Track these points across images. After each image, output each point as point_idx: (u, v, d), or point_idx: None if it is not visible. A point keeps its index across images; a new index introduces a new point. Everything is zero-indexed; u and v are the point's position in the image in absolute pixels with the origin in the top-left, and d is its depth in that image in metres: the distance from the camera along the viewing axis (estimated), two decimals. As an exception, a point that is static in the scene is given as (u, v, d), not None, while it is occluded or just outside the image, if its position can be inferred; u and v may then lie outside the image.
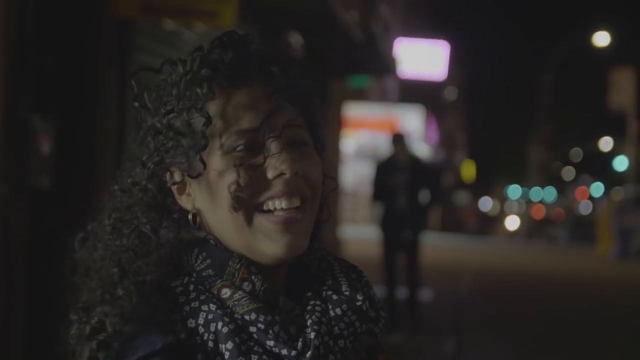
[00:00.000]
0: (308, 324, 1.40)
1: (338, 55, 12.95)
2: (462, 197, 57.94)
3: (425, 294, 14.01)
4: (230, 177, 1.42)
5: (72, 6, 6.17)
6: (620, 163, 45.29)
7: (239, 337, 1.38)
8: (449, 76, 42.45)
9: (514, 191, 70.84)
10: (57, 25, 6.05)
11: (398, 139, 10.90)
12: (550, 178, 59.23)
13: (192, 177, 1.44)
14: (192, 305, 1.41)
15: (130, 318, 1.39)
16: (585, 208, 50.79)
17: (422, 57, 34.18)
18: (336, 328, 1.41)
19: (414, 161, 10.84)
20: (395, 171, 10.49)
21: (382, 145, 9.75)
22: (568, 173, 64.90)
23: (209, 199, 1.44)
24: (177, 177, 1.46)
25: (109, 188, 1.51)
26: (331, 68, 13.54)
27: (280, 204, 1.43)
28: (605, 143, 48.94)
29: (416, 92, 37.44)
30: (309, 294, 1.45)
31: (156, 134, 1.45)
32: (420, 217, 10.73)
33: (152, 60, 6.92)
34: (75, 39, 6.15)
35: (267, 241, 1.43)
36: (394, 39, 18.52)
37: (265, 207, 1.43)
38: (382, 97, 31.39)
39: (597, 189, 55.31)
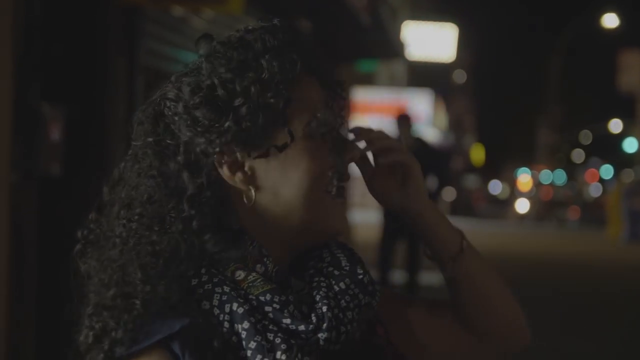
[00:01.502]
0: (317, 299, 1.44)
1: (346, 39, 12.93)
2: (471, 181, 57.92)
3: (435, 279, 14.00)
4: (323, 161, 1.48)
5: (80, -7, 6.16)
6: (630, 145, 45.18)
7: (254, 316, 1.39)
8: (457, 59, 42.38)
9: (524, 174, 70.74)
10: (65, 12, 6.04)
11: (403, 121, 10.63)
12: (560, 161, 59.13)
13: (261, 156, 1.45)
14: (206, 287, 1.41)
15: (145, 313, 1.39)
16: (595, 190, 50.71)
17: (431, 40, 34.13)
18: (342, 301, 1.45)
19: (420, 144, 10.54)
20: None
21: (390, 129, 9.73)
22: (578, 155, 64.75)
23: (279, 177, 1.46)
24: (230, 156, 1.45)
25: (113, 179, 1.48)
26: (339, 53, 13.51)
27: (341, 184, 1.52)
28: (615, 125, 48.83)
29: (424, 76, 37.36)
30: (311, 271, 1.49)
31: (233, 106, 1.43)
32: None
33: (161, 47, 6.92)
34: (84, 26, 6.15)
35: (333, 217, 1.51)
36: (402, 22, 18.49)
37: (329, 188, 1.51)
38: (391, 81, 31.34)
39: (607, 171, 55.22)
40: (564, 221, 39.11)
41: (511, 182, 68.63)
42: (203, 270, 1.42)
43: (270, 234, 1.48)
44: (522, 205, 45.18)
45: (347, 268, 1.50)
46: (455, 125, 54.07)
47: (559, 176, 59.82)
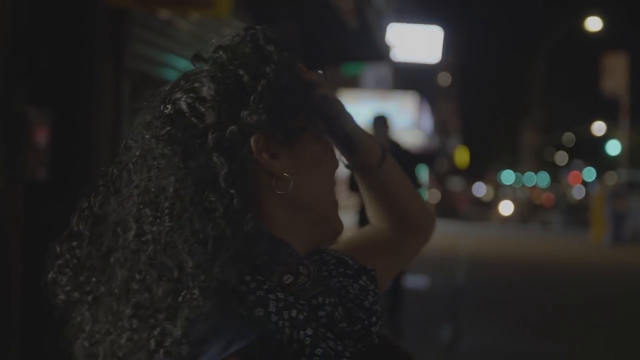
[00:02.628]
0: (350, 297, 1.47)
1: (332, 42, 12.91)
2: (455, 183, 57.98)
3: (421, 281, 14.01)
4: (334, 157, 1.54)
5: (66, -4, 6.13)
6: (613, 147, 45.32)
7: (315, 322, 1.38)
8: (442, 62, 42.46)
9: (508, 176, 70.89)
10: (51, 16, 6.00)
11: (379, 121, 10.19)
12: (544, 163, 59.25)
13: (289, 142, 1.46)
14: (257, 294, 1.37)
15: (201, 318, 1.32)
16: (578, 193, 50.81)
17: (416, 43, 34.14)
18: (369, 296, 1.49)
19: (394, 146, 10.04)
20: None
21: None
22: (561, 158, 64.87)
23: (305, 167, 1.48)
24: (264, 142, 1.44)
25: (103, 192, 1.44)
26: (325, 56, 13.49)
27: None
28: (598, 127, 48.96)
29: (410, 79, 37.41)
30: (325, 273, 1.50)
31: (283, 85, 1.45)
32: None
33: (148, 50, 6.88)
34: (70, 30, 6.11)
35: (339, 216, 1.55)
36: (388, 24, 18.47)
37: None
38: (376, 84, 31.34)
39: (590, 173, 55.31)
40: (548, 223, 39.21)
41: (495, 184, 68.83)
42: (248, 278, 1.38)
43: (296, 229, 1.46)
44: (506, 208, 45.28)
45: (356, 267, 1.53)
46: (440, 128, 54.12)
47: (543, 178, 59.95)
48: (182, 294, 1.33)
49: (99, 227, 1.45)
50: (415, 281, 11.61)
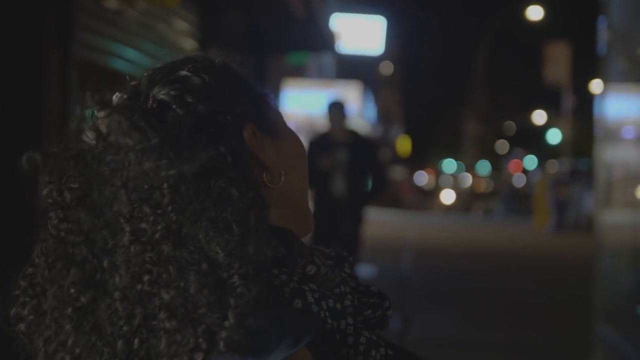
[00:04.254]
0: (353, 285, 1.46)
1: (278, 32, 12.86)
2: (398, 172, 58.23)
3: (367, 271, 14.04)
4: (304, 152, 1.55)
5: (12, -15, 6.02)
6: (553, 136, 45.80)
7: (351, 311, 1.38)
8: (385, 51, 42.54)
9: (449, 165, 71.34)
10: (-4, 5, 5.89)
11: (335, 108, 9.10)
12: (485, 152, 59.75)
13: (272, 135, 1.46)
14: (292, 286, 1.35)
15: (250, 306, 1.27)
16: (518, 181, 51.29)
17: (359, 33, 34.21)
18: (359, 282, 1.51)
19: (354, 137, 9.10)
20: (331, 149, 8.72)
21: (319, 121, 9.25)
22: (502, 146, 65.41)
23: (289, 162, 1.48)
24: (256, 134, 1.43)
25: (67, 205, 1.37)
26: (270, 45, 13.45)
27: None
28: (539, 116, 49.43)
29: (352, 68, 37.43)
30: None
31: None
32: (361, 205, 8.94)
33: (96, 39, 6.79)
34: (16, 19, 6.00)
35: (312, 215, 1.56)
36: (332, 14, 18.47)
37: None
38: (319, 74, 31.32)
39: (530, 162, 55.87)
40: (490, 212, 39.52)
41: (436, 173, 69.31)
42: (276, 271, 1.35)
43: (285, 223, 1.44)
44: (448, 197, 45.60)
45: (333, 254, 1.53)
46: (383, 117, 54.29)
47: (483, 167, 60.42)
48: (221, 285, 1.28)
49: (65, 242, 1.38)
50: (362, 270, 11.62)
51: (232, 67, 1.49)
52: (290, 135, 1.50)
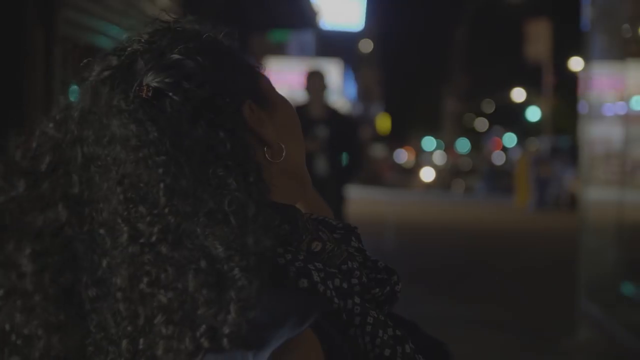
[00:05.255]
0: (360, 259, 1.44)
1: (260, 9, 12.81)
2: (378, 150, 58.27)
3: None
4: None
5: (-6, -39, 5.95)
6: (533, 113, 45.90)
7: (359, 290, 1.36)
8: (364, 29, 42.49)
9: (429, 143, 71.41)
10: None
11: (315, 77, 8.44)
12: (464, 129, 59.85)
13: (269, 109, 1.43)
14: (297, 265, 1.31)
15: (252, 297, 1.23)
16: (497, 158, 51.44)
17: (340, 8, 34.14)
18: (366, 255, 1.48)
19: (333, 114, 8.57)
20: (310, 127, 8.11)
21: (300, 99, 8.99)
22: (481, 124, 65.52)
23: (287, 135, 1.44)
24: (253, 109, 1.40)
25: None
26: (253, 23, 13.39)
27: None
28: (518, 94, 49.50)
29: (332, 46, 37.33)
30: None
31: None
32: (343, 184, 8.49)
33: (80, 16, 6.73)
34: (-1, -5, 5.94)
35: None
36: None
37: None
38: (300, 51, 31.25)
39: (510, 139, 55.96)
40: (471, 189, 39.61)
41: (416, 151, 69.36)
42: (280, 250, 1.31)
43: (290, 197, 1.42)
44: (427, 174, 45.68)
45: (341, 226, 1.51)
46: (363, 95, 54.25)
47: (463, 144, 60.54)
48: (221, 280, 1.23)
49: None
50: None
51: (221, 41, 1.44)
52: (283, 103, 1.47)
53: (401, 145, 75.00)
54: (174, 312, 1.23)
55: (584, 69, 10.24)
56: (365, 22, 40.56)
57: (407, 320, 1.52)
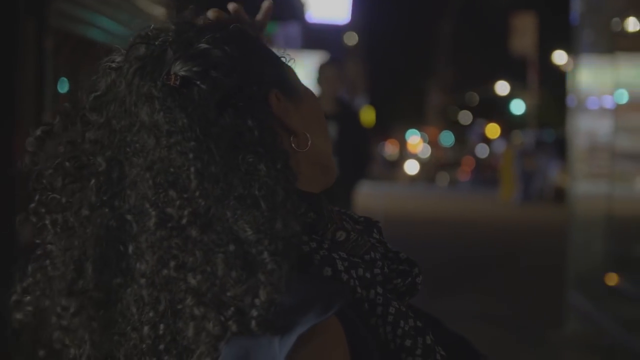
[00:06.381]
0: (382, 250, 1.45)
1: (249, 1, 12.78)
2: (362, 143, 58.18)
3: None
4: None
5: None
6: (517, 106, 45.98)
7: (381, 280, 1.36)
8: (350, 21, 42.45)
9: (413, 136, 71.44)
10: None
11: (326, 70, 7.67)
12: (449, 122, 59.89)
13: (296, 98, 1.44)
14: (322, 253, 1.33)
15: (281, 282, 1.24)
16: (480, 151, 51.51)
17: (327, 2, 34.11)
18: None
19: (342, 108, 7.76)
20: None
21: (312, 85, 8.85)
22: (465, 117, 65.60)
23: (312, 124, 1.45)
24: (280, 99, 1.41)
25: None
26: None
27: None
28: (502, 87, 49.58)
29: (317, 38, 37.29)
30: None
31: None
32: (353, 185, 7.91)
33: (70, 7, 6.70)
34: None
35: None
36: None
37: None
38: (286, 44, 31.23)
39: (494, 132, 56.03)
40: (455, 182, 39.69)
41: (401, 144, 69.37)
42: (306, 238, 1.32)
43: (315, 185, 1.43)
44: (411, 167, 45.73)
45: (362, 219, 1.53)
46: (348, 88, 54.20)
47: (447, 137, 60.59)
48: (250, 264, 1.24)
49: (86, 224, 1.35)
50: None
51: (248, 33, 1.46)
52: (309, 95, 1.48)
53: (385, 138, 75.02)
54: (204, 294, 1.25)
55: (572, 63, 10.26)
56: (351, 15, 40.52)
57: (430, 315, 1.53)
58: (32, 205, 1.38)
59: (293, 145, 1.39)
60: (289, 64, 1.49)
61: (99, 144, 1.36)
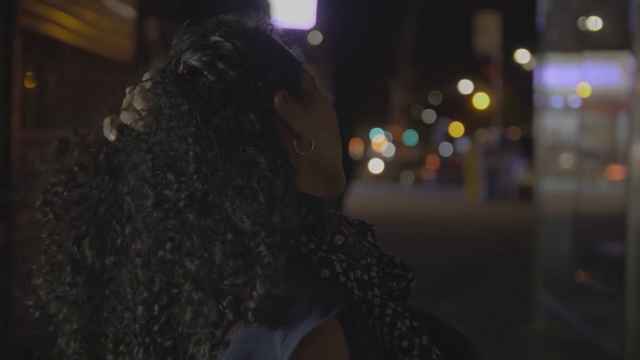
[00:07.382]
0: (377, 255, 1.46)
1: (216, 2, 12.74)
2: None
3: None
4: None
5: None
6: (480, 100, 46.17)
7: (377, 282, 1.37)
8: (314, 20, 42.43)
9: (377, 135, 71.50)
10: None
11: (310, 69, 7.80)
12: (413, 121, 60.03)
13: (304, 100, 1.44)
14: (320, 255, 1.33)
15: (278, 275, 1.25)
16: (444, 150, 51.69)
17: (291, 7, 34.08)
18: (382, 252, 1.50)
19: (338, 104, 7.65)
20: None
21: None
22: (429, 116, 65.77)
23: (320, 128, 1.44)
24: (287, 101, 1.41)
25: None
26: (208, 16, 13.32)
27: None
28: (465, 85, 49.77)
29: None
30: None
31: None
32: (345, 192, 7.96)
33: (38, 6, 6.66)
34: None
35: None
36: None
37: None
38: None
39: (457, 130, 56.24)
40: (420, 181, 39.78)
41: (366, 143, 69.47)
42: (304, 239, 1.33)
43: (316, 190, 1.43)
44: (376, 166, 45.76)
45: (356, 223, 1.54)
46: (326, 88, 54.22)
47: (411, 136, 60.73)
48: (247, 254, 1.26)
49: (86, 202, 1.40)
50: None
51: (264, 32, 1.48)
52: (322, 101, 1.48)
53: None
54: (202, 280, 1.26)
55: (536, 61, 10.32)
56: (316, 15, 40.54)
57: (426, 314, 1.55)
58: (38, 203, 1.41)
59: (295, 147, 1.40)
60: (308, 69, 1.50)
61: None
